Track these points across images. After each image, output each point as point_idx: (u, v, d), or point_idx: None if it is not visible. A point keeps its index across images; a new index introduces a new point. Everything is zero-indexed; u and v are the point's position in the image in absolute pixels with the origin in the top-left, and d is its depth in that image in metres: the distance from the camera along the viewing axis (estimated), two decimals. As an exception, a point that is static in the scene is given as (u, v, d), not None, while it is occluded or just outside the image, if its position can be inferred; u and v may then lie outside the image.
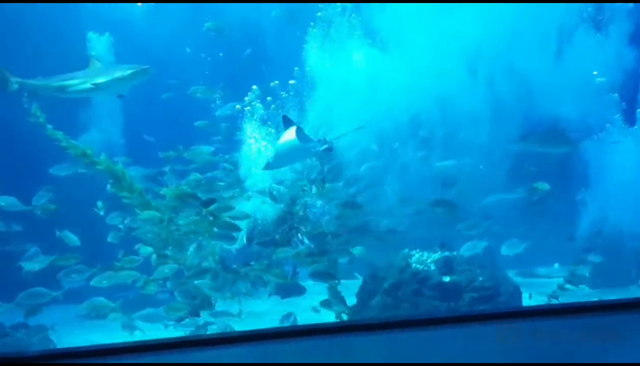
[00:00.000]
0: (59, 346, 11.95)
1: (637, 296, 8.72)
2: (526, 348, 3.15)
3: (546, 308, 3.64)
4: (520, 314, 3.53)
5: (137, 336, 12.25)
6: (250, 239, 11.60)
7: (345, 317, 11.68)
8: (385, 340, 3.31)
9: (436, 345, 3.28)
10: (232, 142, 13.55)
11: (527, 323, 3.42)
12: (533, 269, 17.03)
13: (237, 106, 13.17)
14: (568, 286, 13.21)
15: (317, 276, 11.17)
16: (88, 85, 11.95)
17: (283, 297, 13.01)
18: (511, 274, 14.04)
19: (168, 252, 11.17)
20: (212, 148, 13.73)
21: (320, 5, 12.97)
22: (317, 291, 12.28)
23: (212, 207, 10.72)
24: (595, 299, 12.34)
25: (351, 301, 12.45)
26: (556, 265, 17.49)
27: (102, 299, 11.82)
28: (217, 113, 15.36)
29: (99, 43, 16.74)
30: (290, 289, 12.39)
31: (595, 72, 15.07)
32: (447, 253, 12.67)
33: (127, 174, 11.41)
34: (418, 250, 12.79)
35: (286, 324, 12.92)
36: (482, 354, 3.09)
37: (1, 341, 12.09)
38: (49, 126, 11.26)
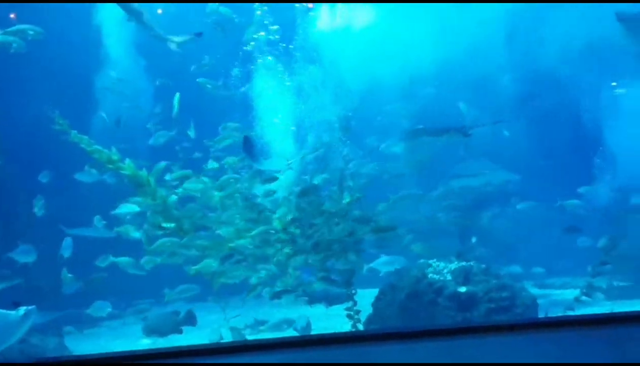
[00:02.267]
0: (73, 353, 12.07)
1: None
2: (543, 359, 3.14)
3: (564, 319, 3.62)
4: (534, 325, 3.53)
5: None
6: None
7: (360, 327, 11.69)
8: (401, 350, 3.32)
9: (451, 355, 3.29)
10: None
11: (544, 333, 3.42)
12: (549, 280, 16.95)
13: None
14: (584, 298, 13.14)
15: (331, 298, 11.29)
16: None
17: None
18: (528, 285, 13.98)
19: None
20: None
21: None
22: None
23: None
24: (612, 310, 12.29)
25: (368, 310, 12.46)
26: None
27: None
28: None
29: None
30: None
31: None
32: (463, 263, 12.63)
33: (152, 181, 11.53)
34: (435, 260, 12.76)
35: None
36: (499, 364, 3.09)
37: (18, 347, 12.20)
38: (74, 131, 11.38)
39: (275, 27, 12.98)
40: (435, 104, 16.48)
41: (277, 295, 11.37)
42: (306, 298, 12.13)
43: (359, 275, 12.39)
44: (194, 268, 11.32)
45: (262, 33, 12.97)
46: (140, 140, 15.21)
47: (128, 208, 11.93)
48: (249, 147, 11.33)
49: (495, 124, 13.67)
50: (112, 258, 12.80)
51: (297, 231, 11.46)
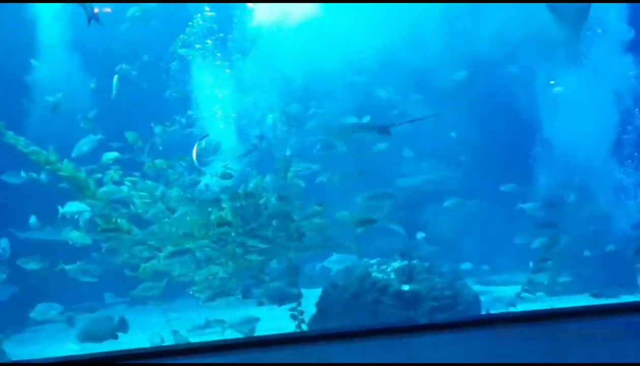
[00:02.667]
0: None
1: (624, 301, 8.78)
2: (484, 355, 3.15)
3: (504, 316, 3.65)
4: (476, 322, 3.54)
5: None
6: None
7: (304, 327, 11.66)
8: (344, 349, 3.30)
9: (395, 353, 3.27)
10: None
11: (486, 330, 3.42)
12: (491, 277, 17.16)
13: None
14: (525, 294, 13.34)
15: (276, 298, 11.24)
16: None
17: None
18: (470, 282, 14.14)
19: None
20: None
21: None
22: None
23: None
24: (553, 307, 12.50)
25: (311, 310, 12.44)
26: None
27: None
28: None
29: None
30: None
31: None
32: (406, 262, 12.71)
33: (92, 183, 11.31)
34: (378, 259, 12.81)
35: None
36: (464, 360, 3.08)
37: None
38: (10, 132, 11.11)
39: (211, 13, 12.80)
40: (368, 97, 16.50)
41: (211, 298, 11.25)
42: (253, 300, 12.09)
43: (310, 275, 12.38)
44: (143, 266, 11.13)
45: (201, 22, 12.78)
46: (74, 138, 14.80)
47: (74, 206, 11.64)
48: (199, 150, 11.25)
49: (421, 119, 13.57)
50: (62, 265, 12.37)
51: (237, 232, 11.34)
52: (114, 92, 14.52)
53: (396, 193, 14.38)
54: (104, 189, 11.43)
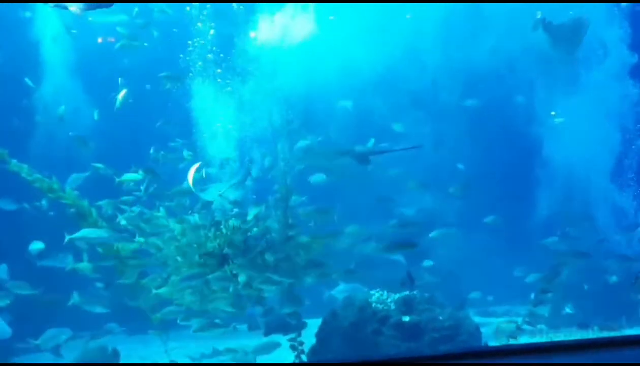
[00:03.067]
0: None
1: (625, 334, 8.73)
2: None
3: (507, 348, 3.62)
4: (477, 354, 3.51)
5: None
6: None
7: (304, 358, 11.58)
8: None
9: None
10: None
11: (487, 362, 3.40)
12: (493, 308, 17.10)
13: None
14: (525, 326, 13.25)
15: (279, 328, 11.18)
16: None
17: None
18: (471, 312, 14.08)
19: None
20: None
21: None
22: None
23: None
24: (554, 339, 12.43)
25: (311, 341, 12.36)
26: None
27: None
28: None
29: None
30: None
31: None
32: (407, 292, 12.65)
33: (94, 211, 11.30)
34: (378, 289, 12.76)
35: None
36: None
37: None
38: (13, 160, 11.13)
39: (212, 30, 12.81)
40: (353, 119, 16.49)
41: (203, 327, 11.16)
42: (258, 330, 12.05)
43: (319, 303, 12.34)
44: (155, 291, 11.04)
45: (202, 41, 12.78)
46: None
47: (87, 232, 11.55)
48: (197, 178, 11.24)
49: (406, 150, 13.44)
50: (76, 297, 12.25)
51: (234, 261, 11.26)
52: (117, 105, 14.52)
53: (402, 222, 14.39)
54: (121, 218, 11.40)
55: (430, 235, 15.47)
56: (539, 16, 13.55)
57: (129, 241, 11.22)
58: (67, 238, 11.09)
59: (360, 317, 12.21)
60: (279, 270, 11.27)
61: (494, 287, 16.69)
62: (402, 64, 15.65)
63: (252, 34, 12.91)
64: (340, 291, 13.46)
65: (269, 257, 11.19)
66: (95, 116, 15.90)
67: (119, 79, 14.82)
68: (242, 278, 11.06)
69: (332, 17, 15.35)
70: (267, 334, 12.65)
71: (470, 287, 16.38)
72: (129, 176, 12.16)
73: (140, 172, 12.18)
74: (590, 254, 13.83)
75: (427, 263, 16.01)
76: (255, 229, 11.42)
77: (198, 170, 11.48)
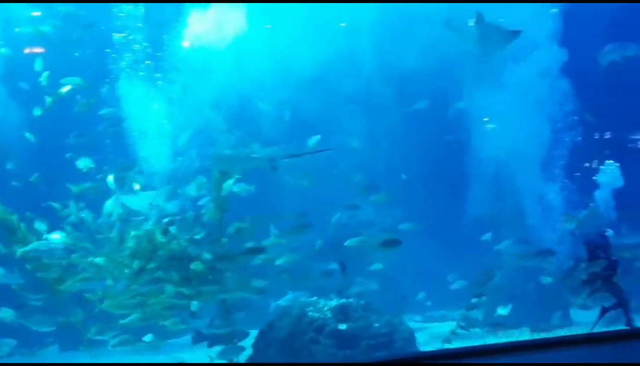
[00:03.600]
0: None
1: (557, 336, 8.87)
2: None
3: (441, 353, 3.62)
4: (412, 360, 3.50)
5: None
6: None
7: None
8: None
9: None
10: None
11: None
12: (429, 313, 17.23)
13: None
14: (459, 330, 13.38)
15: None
16: None
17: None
18: (408, 318, 14.16)
19: None
20: None
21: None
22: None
23: None
24: (487, 342, 12.56)
25: (247, 352, 12.27)
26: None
27: None
28: None
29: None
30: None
31: None
32: (343, 300, 12.66)
33: (23, 226, 11.02)
34: (315, 298, 12.74)
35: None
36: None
37: None
38: None
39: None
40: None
41: (121, 342, 10.98)
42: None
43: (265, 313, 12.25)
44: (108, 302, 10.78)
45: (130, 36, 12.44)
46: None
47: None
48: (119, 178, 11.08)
49: (315, 153, 13.27)
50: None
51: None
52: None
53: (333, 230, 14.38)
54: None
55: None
56: (470, 23, 13.70)
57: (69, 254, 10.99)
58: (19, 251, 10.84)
59: (296, 326, 12.16)
60: (209, 282, 11.17)
61: (432, 292, 16.78)
62: (336, 63, 15.61)
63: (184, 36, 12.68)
64: (288, 300, 13.39)
65: (197, 266, 11.04)
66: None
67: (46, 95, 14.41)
68: (171, 289, 10.91)
69: (268, 26, 15.18)
70: (210, 346, 12.47)
71: (408, 292, 16.45)
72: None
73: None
74: (554, 252, 13.81)
75: (367, 269, 16.01)
76: (185, 239, 11.28)
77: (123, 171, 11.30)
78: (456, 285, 14.82)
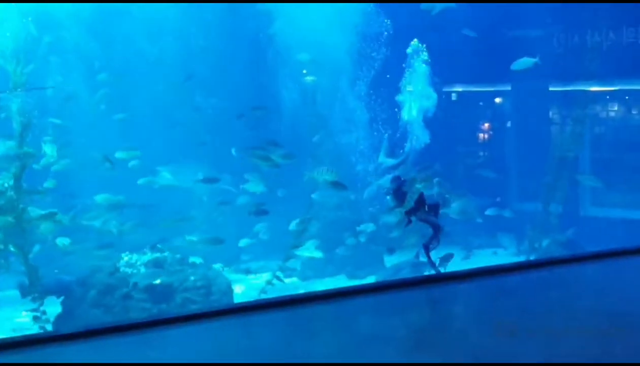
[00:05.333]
0: None
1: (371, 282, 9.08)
2: (232, 345, 3.06)
3: (254, 304, 3.60)
4: (227, 312, 3.44)
5: None
6: None
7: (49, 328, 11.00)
8: (88, 349, 3.02)
9: (140, 351, 3.04)
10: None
11: (237, 319, 3.33)
12: (247, 265, 17.21)
13: None
14: (275, 281, 13.52)
15: None
16: None
17: None
18: (226, 271, 14.12)
19: None
20: None
21: None
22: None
23: None
24: (305, 291, 12.80)
25: (56, 309, 11.74)
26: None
27: None
28: None
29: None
30: None
31: None
32: (157, 254, 12.42)
33: None
34: (127, 252, 12.39)
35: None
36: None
37: None
38: None
39: None
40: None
41: None
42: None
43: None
44: None
45: None
46: None
47: None
48: None
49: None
50: None
51: None
52: None
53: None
54: None
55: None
56: None
57: None
58: None
59: (109, 282, 11.81)
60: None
61: (253, 244, 16.66)
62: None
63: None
64: None
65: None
66: None
67: None
68: None
69: None
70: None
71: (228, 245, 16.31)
72: None
73: None
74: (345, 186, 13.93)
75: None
76: None
77: None
78: (266, 235, 14.85)
